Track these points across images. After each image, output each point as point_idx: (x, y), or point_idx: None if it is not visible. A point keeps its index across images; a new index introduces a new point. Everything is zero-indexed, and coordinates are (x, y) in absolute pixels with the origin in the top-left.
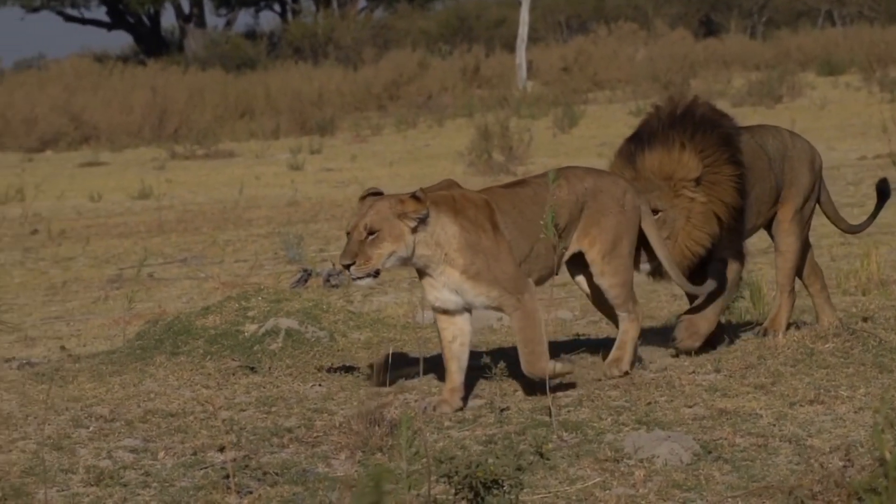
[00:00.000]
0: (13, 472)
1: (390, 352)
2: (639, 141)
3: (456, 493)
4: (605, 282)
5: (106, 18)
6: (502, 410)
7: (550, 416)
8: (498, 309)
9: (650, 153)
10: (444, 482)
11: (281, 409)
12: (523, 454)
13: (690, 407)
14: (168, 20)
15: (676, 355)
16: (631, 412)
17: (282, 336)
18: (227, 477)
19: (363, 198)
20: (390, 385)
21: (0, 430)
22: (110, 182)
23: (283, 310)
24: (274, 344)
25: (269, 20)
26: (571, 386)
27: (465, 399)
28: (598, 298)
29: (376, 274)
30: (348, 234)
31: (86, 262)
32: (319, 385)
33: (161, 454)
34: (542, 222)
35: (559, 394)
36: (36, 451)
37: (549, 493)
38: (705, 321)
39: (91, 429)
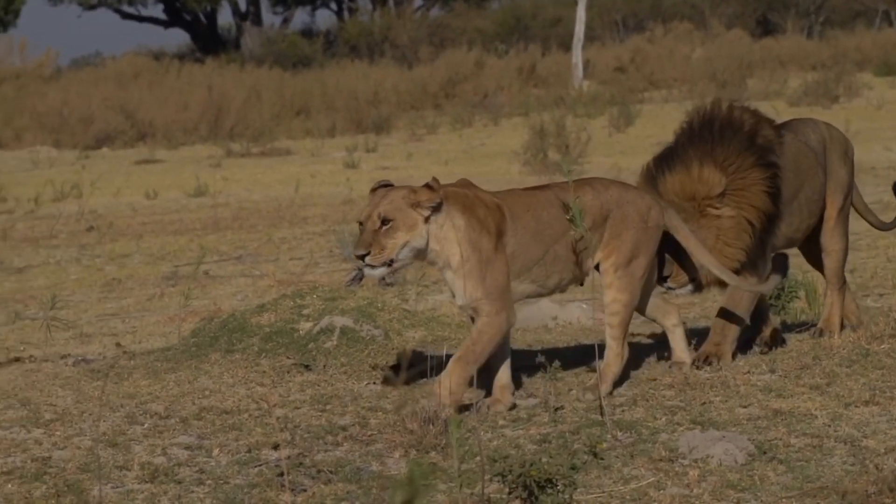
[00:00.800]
0: (68, 468)
1: (410, 350)
2: (660, 162)
3: (510, 493)
4: (610, 295)
5: (163, 16)
6: (556, 410)
7: (604, 415)
8: (473, 312)
9: (670, 175)
10: (498, 481)
11: (335, 407)
12: (577, 453)
13: (745, 407)
14: (225, 18)
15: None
16: (685, 412)
17: (336, 334)
18: (282, 475)
19: (374, 189)
20: (408, 384)
21: (55, 426)
22: (166, 179)
23: (338, 308)
24: (329, 342)
25: (325, 18)
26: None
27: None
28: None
29: (390, 263)
30: (360, 224)
31: (141, 260)
32: (374, 383)
33: (216, 451)
34: (565, 219)
35: (613, 393)
36: (91, 448)
37: (603, 492)
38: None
39: (146, 426)
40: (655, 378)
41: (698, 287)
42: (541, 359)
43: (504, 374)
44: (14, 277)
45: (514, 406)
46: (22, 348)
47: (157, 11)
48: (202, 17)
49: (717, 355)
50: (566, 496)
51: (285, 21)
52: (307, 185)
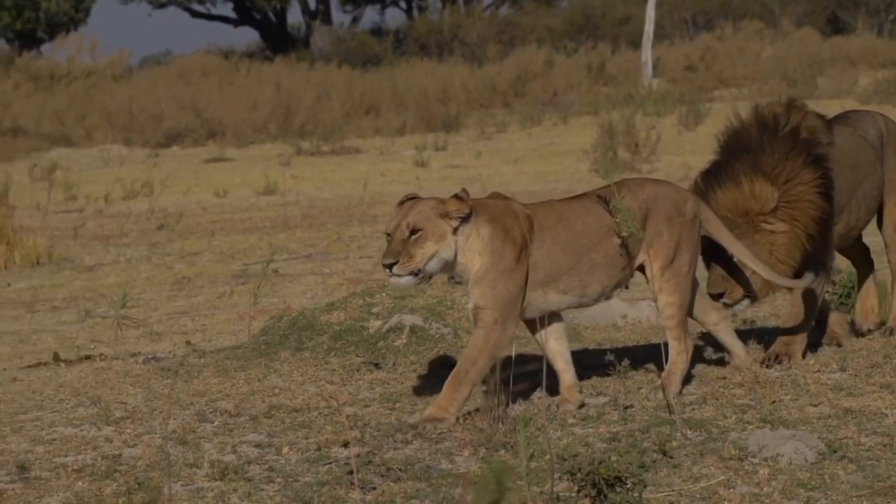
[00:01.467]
0: (138, 466)
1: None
2: (708, 177)
3: (578, 491)
4: (662, 300)
5: (232, 15)
6: (626, 408)
7: (673, 413)
8: (474, 315)
9: (721, 191)
10: (567, 479)
11: (405, 406)
12: (647, 452)
13: (815, 406)
14: (294, 17)
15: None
16: (755, 410)
17: (406, 332)
18: (351, 473)
19: (402, 202)
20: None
21: (126, 424)
22: (235, 178)
23: (408, 306)
24: (398, 340)
25: (394, 17)
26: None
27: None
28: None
29: (418, 273)
30: (388, 234)
31: (211, 258)
32: (442, 382)
33: (285, 449)
34: (602, 227)
35: (683, 391)
36: (161, 446)
37: (673, 491)
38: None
39: (216, 424)
40: (725, 377)
41: (754, 299)
42: (610, 357)
43: (568, 373)
44: (85, 276)
45: (582, 405)
46: (93, 346)
47: (227, 10)
48: (272, 16)
49: (787, 354)
50: (635, 494)
51: (355, 20)
52: (377, 183)
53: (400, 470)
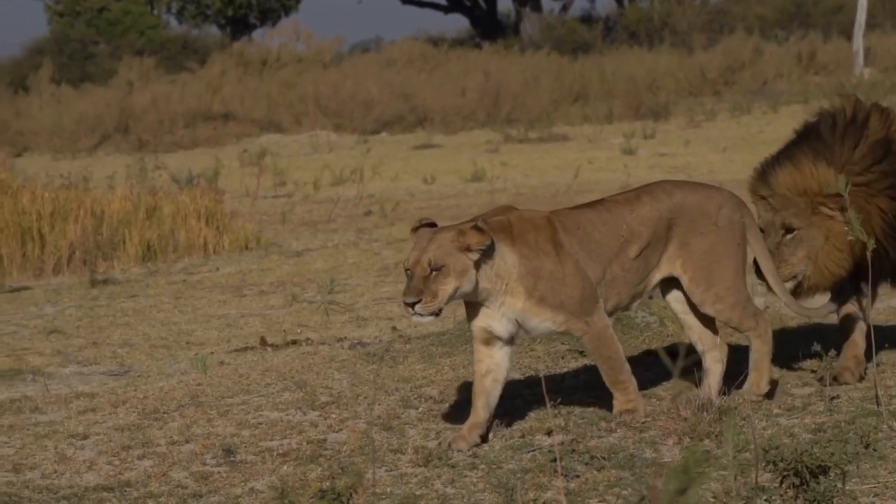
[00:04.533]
0: (343, 451)
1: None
2: (770, 162)
3: (782, 482)
4: (711, 310)
5: (443, 1)
6: (832, 399)
7: (880, 405)
8: (565, 332)
9: (781, 169)
10: (770, 470)
11: (609, 394)
12: (851, 443)
13: None
14: (504, 4)
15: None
16: None
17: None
18: (555, 460)
19: (416, 229)
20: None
21: (331, 409)
22: (443, 164)
23: None
24: None
25: (604, 5)
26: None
27: (484, 437)
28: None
29: (439, 313)
30: (407, 269)
31: None
32: (647, 370)
33: (489, 436)
34: (620, 237)
35: (890, 383)
36: (365, 431)
37: (878, 482)
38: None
39: (420, 409)
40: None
41: (797, 287)
42: (816, 347)
43: (482, 413)
44: (292, 261)
45: (477, 445)
46: (299, 331)
47: None
48: (482, 3)
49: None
50: (839, 485)
51: (564, 7)
52: (584, 170)
53: (603, 458)
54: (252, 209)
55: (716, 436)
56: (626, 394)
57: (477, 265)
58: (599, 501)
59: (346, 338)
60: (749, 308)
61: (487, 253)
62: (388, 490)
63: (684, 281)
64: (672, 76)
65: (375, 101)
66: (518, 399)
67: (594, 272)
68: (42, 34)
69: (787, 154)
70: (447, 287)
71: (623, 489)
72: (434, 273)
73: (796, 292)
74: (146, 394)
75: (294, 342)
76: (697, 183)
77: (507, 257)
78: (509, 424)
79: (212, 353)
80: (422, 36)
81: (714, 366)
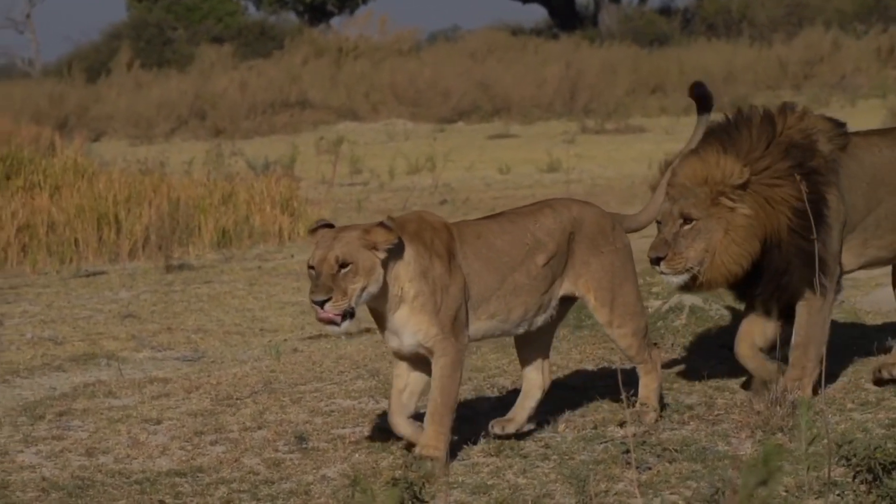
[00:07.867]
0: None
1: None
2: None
3: (854, 476)
4: (614, 332)
5: None
6: None
7: None
8: (427, 351)
9: (686, 160)
10: (843, 465)
11: (682, 386)
12: None
13: None
14: None
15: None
16: None
17: (685, 313)
18: (627, 452)
19: (314, 230)
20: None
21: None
22: (519, 154)
23: None
24: (677, 320)
25: None
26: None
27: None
28: None
29: (352, 312)
30: (311, 267)
31: None
32: (721, 363)
33: (562, 427)
34: (524, 246)
35: None
36: None
37: None
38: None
39: (493, 399)
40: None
41: (692, 281)
42: (891, 342)
43: (402, 430)
44: None
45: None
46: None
47: None
48: None
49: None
50: None
51: None
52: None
53: (675, 451)
54: (327, 196)
55: (788, 429)
56: (438, 436)
57: (384, 265)
58: (672, 494)
59: None
60: (646, 340)
61: (395, 253)
62: (461, 479)
63: (590, 301)
64: (751, 69)
65: (453, 90)
66: (591, 390)
67: (491, 280)
68: (121, 19)
69: (697, 147)
70: (356, 285)
71: (696, 482)
72: (342, 270)
73: (690, 287)
74: (219, 380)
75: (367, 330)
76: (588, 202)
77: (405, 255)
78: (583, 415)
79: (285, 339)
80: (500, 26)
81: (534, 395)
